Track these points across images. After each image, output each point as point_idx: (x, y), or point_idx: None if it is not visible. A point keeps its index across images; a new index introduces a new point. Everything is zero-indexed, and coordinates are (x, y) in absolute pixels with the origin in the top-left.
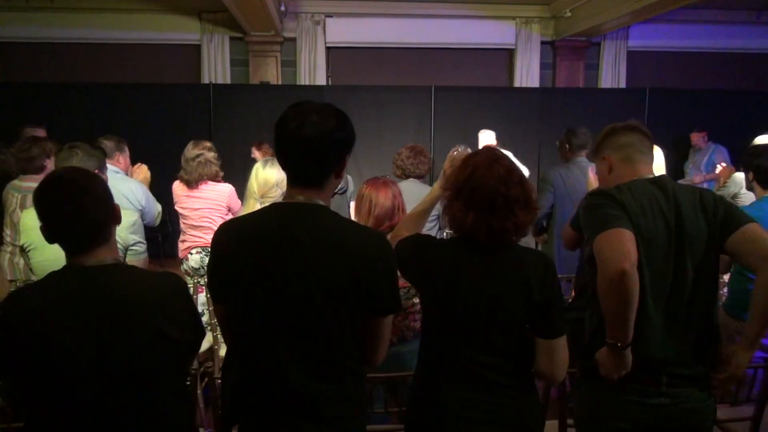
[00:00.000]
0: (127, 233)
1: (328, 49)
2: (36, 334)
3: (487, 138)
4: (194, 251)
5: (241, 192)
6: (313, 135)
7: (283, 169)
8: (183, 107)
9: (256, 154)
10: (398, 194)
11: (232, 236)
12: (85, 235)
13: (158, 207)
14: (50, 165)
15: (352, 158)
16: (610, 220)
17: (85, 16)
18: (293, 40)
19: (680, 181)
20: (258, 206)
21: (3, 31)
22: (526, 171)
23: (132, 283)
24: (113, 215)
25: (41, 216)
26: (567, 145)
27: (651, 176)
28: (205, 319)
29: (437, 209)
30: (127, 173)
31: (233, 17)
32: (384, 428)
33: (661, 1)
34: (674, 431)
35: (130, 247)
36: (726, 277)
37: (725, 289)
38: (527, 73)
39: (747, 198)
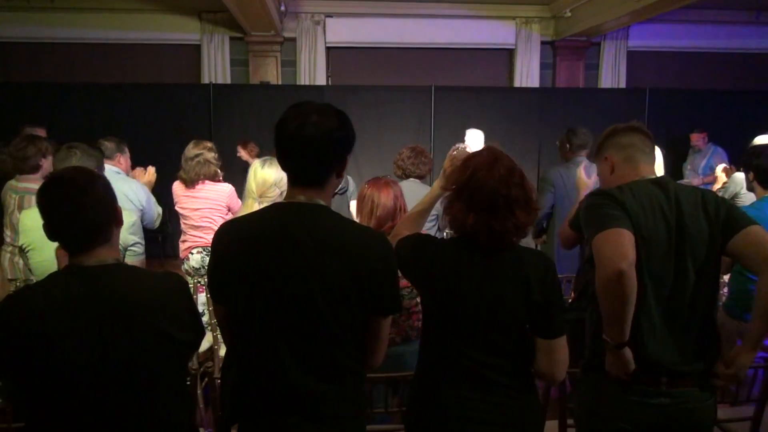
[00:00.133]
0: (127, 234)
1: (328, 49)
2: (37, 334)
3: (474, 137)
4: (195, 251)
5: (241, 192)
6: (314, 135)
7: (284, 169)
8: (183, 107)
9: (241, 153)
10: (400, 195)
11: (233, 236)
12: (85, 235)
13: (159, 209)
14: (46, 164)
15: (352, 158)
16: (609, 219)
17: (85, 16)
18: (293, 40)
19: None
20: (257, 206)
21: (3, 31)
22: None
23: (133, 283)
24: (114, 216)
25: (43, 215)
26: (567, 145)
27: (653, 177)
28: (205, 319)
29: (437, 209)
30: (128, 174)
31: (233, 17)
32: (384, 428)
33: (661, 1)
34: (674, 431)
35: (129, 248)
36: (726, 278)
37: (725, 290)
38: (527, 73)
39: (747, 198)
